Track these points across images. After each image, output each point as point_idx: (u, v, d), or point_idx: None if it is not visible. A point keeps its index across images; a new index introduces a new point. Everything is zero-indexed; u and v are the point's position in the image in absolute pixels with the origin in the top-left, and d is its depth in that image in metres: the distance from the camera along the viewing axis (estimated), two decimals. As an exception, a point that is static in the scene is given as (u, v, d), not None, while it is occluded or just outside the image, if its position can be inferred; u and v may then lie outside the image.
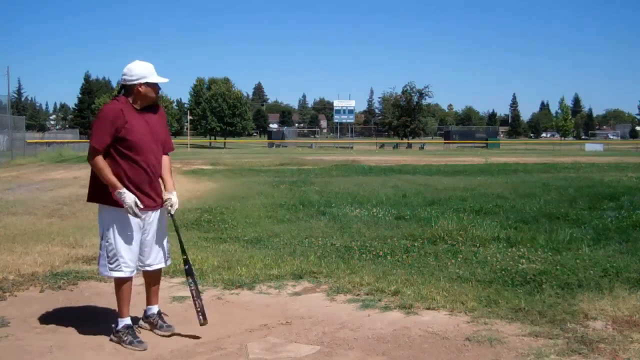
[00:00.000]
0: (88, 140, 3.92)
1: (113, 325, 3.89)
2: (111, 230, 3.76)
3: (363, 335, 3.94)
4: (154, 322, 4.06)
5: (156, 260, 3.99)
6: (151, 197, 3.85)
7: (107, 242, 3.77)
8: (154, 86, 3.83)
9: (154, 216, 3.92)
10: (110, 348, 3.75)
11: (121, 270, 3.78)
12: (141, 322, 4.09)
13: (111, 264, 3.77)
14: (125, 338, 3.78)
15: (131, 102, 3.78)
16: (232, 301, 4.74)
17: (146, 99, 3.81)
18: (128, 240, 3.77)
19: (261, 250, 6.51)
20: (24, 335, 3.96)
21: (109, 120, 3.68)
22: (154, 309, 4.11)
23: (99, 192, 3.78)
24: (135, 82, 3.75)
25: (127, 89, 3.79)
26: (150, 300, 4.12)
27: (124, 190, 3.66)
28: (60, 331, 4.05)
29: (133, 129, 3.72)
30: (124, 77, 3.79)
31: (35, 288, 5.06)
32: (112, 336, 3.87)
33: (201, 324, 3.91)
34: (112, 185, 3.66)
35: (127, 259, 3.78)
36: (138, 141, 3.74)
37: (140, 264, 3.94)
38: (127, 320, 3.87)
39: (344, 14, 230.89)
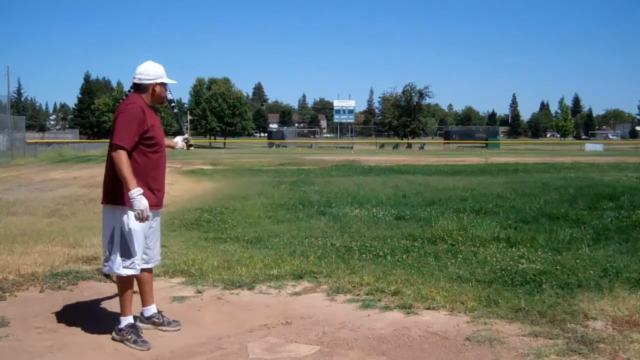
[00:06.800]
0: (107, 140, 4.05)
1: (116, 325, 3.89)
2: (126, 229, 3.79)
3: (363, 335, 3.94)
4: (159, 321, 4.08)
5: (157, 257, 4.12)
6: (158, 197, 3.96)
7: (122, 240, 3.80)
8: (165, 87, 4.00)
9: (157, 214, 4.04)
10: (111, 348, 3.75)
11: (134, 268, 3.85)
12: (140, 324, 4.06)
13: (125, 262, 3.82)
14: (129, 337, 3.79)
15: (145, 100, 3.89)
16: (232, 301, 4.74)
17: (158, 99, 3.98)
18: (140, 239, 3.84)
19: (261, 250, 6.50)
20: (24, 335, 3.96)
21: (137, 121, 3.76)
22: (154, 308, 4.13)
23: (116, 193, 3.80)
24: (152, 82, 3.89)
25: (141, 88, 3.89)
26: (147, 300, 4.13)
27: (141, 192, 3.68)
28: (60, 331, 4.05)
29: (155, 127, 3.87)
30: (139, 76, 3.89)
31: (35, 288, 5.06)
32: (114, 334, 3.88)
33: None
34: (129, 182, 3.66)
35: (140, 257, 3.86)
36: (159, 139, 3.92)
37: (144, 262, 3.97)
38: (131, 319, 3.90)
39: (344, 14, 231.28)
